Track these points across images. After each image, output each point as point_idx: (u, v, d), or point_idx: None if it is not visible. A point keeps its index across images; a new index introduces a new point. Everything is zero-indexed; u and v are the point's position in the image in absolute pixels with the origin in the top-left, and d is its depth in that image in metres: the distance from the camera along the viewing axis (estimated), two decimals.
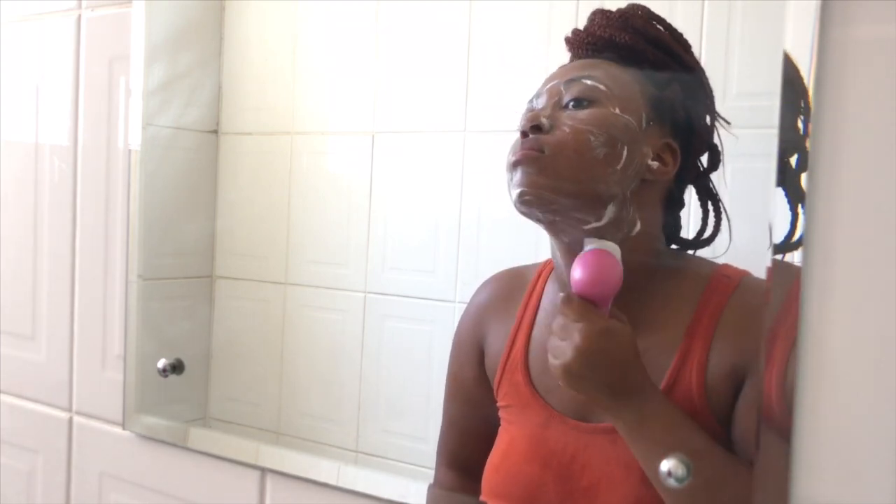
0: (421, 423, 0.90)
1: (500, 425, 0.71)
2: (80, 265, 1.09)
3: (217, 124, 1.07)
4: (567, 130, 0.63)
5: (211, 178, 1.07)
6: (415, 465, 0.88)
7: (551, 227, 0.66)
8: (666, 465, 0.59)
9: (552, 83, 0.67)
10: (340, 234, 0.98)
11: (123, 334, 1.03)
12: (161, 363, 1.02)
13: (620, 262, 0.61)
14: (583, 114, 0.63)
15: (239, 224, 1.07)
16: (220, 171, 1.07)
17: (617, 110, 0.63)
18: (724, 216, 0.66)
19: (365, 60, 0.95)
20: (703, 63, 0.67)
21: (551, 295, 0.69)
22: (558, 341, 0.60)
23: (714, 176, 0.67)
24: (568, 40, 0.69)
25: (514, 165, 0.64)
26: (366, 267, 0.95)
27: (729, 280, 0.64)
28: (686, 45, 0.66)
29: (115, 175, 1.05)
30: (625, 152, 0.62)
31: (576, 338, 0.59)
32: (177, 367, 1.04)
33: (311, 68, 1.02)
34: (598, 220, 0.62)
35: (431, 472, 0.79)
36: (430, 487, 0.77)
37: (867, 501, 0.54)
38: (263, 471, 0.92)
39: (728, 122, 0.66)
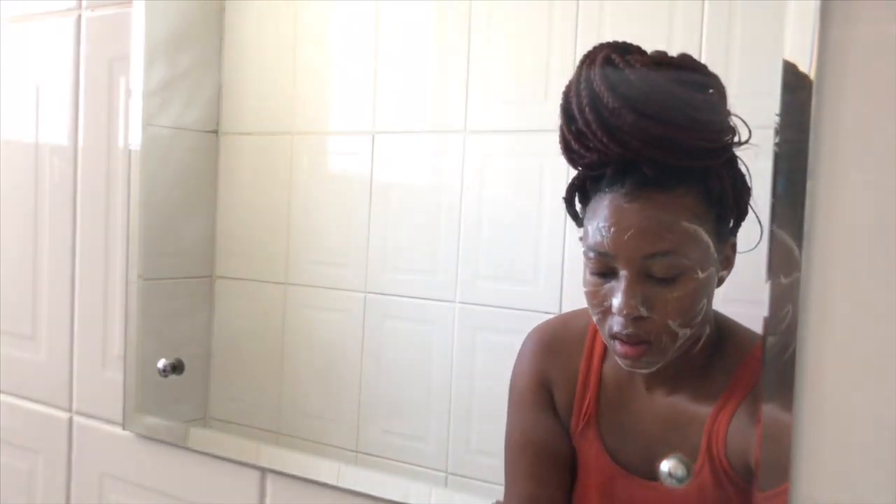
0: (421, 423, 0.90)
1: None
2: (80, 265, 1.09)
3: (217, 124, 1.07)
4: (668, 321, 0.64)
5: (211, 178, 1.07)
6: (415, 465, 0.88)
7: None
8: (666, 465, 0.59)
9: (627, 252, 0.63)
10: (340, 234, 0.98)
11: (123, 334, 1.03)
12: (161, 363, 1.02)
13: None
14: (674, 295, 0.63)
15: (239, 224, 1.07)
16: (220, 171, 1.07)
17: (700, 273, 0.63)
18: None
19: (365, 60, 0.95)
20: (703, 62, 0.66)
21: (616, 368, 0.71)
22: None
23: None
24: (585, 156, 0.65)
25: (623, 357, 0.66)
26: (366, 267, 0.95)
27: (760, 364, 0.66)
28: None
29: (115, 175, 1.05)
30: (706, 300, 0.65)
31: None
32: (177, 367, 1.04)
33: (311, 68, 1.02)
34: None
35: (431, 472, 0.79)
36: None
37: (868, 502, 0.54)
38: (263, 471, 0.92)
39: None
